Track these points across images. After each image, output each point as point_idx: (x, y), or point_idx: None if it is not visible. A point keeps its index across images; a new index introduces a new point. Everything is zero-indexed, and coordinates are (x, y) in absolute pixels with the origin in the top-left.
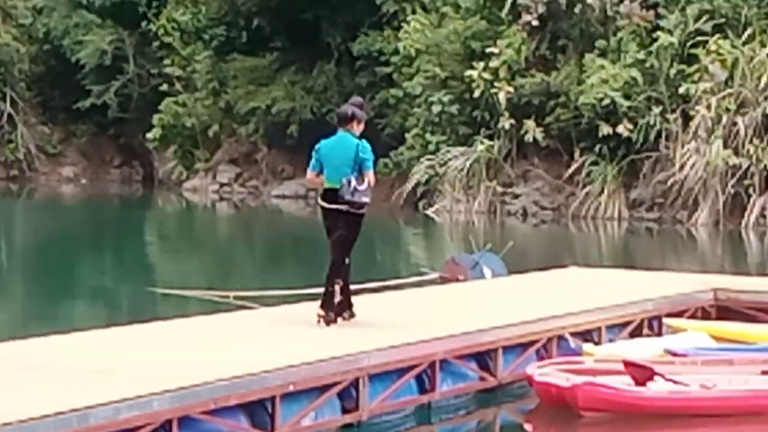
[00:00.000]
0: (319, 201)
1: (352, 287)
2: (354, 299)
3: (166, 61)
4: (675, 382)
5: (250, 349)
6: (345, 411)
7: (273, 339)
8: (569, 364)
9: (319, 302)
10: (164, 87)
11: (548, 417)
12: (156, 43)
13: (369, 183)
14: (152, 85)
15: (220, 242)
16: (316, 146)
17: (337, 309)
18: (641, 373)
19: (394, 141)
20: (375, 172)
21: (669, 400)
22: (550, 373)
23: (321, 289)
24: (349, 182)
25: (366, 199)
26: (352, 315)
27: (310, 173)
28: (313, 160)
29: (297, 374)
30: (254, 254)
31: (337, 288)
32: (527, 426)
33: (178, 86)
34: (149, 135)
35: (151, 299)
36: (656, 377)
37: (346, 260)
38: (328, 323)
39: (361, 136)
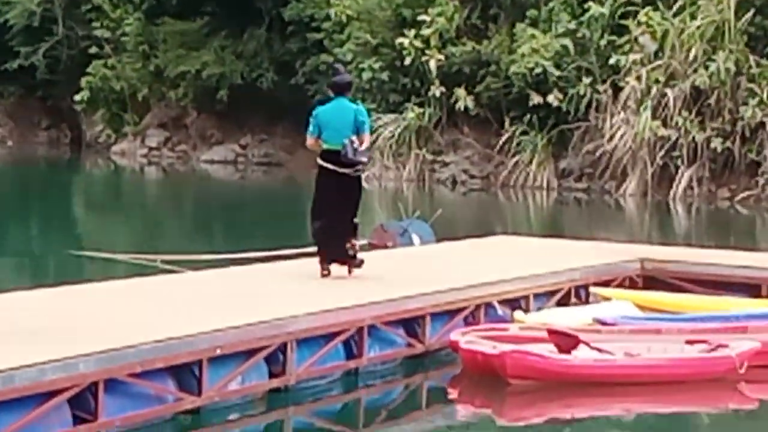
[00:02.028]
0: (320, 161)
1: (280, 252)
2: (282, 264)
3: (96, 24)
4: (600, 350)
5: (177, 313)
6: (272, 375)
7: (201, 303)
8: (494, 331)
9: (318, 258)
10: (93, 49)
11: (473, 384)
12: (86, 6)
13: (367, 144)
14: (81, 47)
15: (148, 206)
16: (314, 112)
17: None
18: (566, 342)
19: None
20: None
21: (595, 368)
22: (475, 340)
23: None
24: (352, 142)
25: (365, 159)
26: (360, 263)
27: (310, 138)
28: (311, 126)
29: (224, 338)
30: (182, 219)
31: (349, 245)
32: (451, 392)
33: (107, 49)
34: (77, 97)
35: (77, 263)
36: (581, 345)
37: (356, 220)
38: (351, 271)
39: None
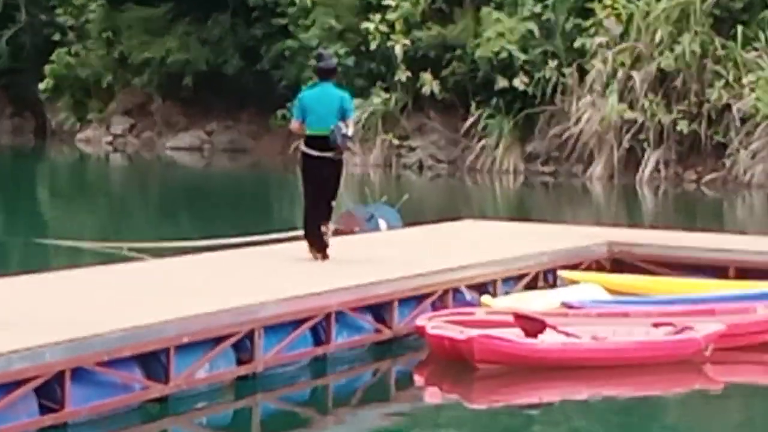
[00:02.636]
0: (303, 148)
1: (250, 238)
2: (248, 251)
3: (59, 11)
4: (567, 334)
5: (144, 301)
6: (240, 363)
7: (167, 290)
8: (460, 316)
9: (306, 243)
10: (57, 37)
11: (440, 368)
12: None
13: (352, 130)
14: (45, 34)
15: (113, 194)
16: (299, 96)
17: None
18: (532, 326)
19: (290, 93)
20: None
21: (562, 351)
22: (442, 325)
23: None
24: (339, 128)
25: (351, 144)
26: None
27: (294, 122)
28: (296, 110)
29: (191, 325)
30: (148, 206)
31: (324, 228)
32: (419, 377)
33: (71, 36)
34: (41, 86)
35: (42, 251)
36: (548, 329)
37: (332, 203)
38: (324, 258)
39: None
